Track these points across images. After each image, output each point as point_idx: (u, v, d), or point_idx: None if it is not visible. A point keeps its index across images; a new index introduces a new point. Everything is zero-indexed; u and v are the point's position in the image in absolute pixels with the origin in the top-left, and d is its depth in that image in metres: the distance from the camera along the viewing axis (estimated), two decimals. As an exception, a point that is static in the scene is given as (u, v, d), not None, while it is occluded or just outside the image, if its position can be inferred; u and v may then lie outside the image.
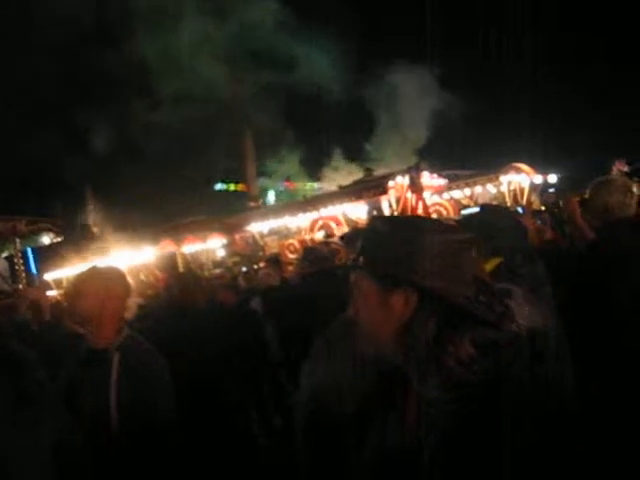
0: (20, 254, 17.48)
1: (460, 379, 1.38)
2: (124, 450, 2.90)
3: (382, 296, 1.49)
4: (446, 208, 18.34)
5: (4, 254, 17.78)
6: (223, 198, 36.95)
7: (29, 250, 20.75)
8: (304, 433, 2.18)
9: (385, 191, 16.57)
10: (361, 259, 1.55)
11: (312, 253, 5.73)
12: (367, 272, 1.52)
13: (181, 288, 4.98)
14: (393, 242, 1.49)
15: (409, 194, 16.27)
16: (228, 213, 25.03)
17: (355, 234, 6.77)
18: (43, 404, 2.29)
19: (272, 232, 20.25)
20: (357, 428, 1.64)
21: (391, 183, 16.55)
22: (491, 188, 18.95)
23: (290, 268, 12.25)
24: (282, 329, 5.98)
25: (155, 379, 3.13)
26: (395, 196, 16.40)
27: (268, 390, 6.88)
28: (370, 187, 17.66)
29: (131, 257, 19.48)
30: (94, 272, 3.34)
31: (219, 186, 41.88)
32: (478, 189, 19.24)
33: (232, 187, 40.77)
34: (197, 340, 4.52)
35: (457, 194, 19.41)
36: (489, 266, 3.37)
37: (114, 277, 3.34)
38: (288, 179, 37.51)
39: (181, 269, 17.42)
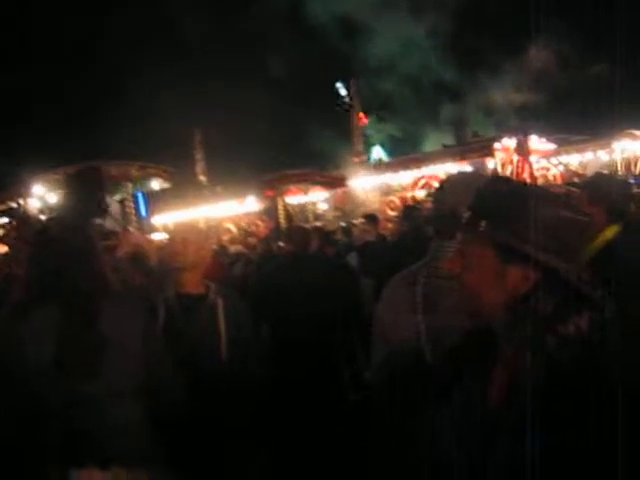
0: (131, 198, 18.27)
1: (555, 357, 1.34)
2: (229, 382, 3.14)
3: (499, 266, 1.42)
4: (554, 175, 17.79)
5: (117, 197, 18.56)
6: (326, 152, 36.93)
7: (140, 194, 21.50)
8: (385, 388, 2.23)
9: (491, 153, 16.22)
10: (480, 222, 1.43)
11: (412, 212, 5.72)
12: (486, 238, 1.42)
13: (291, 238, 5.12)
14: (518, 210, 1.39)
15: (515, 157, 15.87)
16: (331, 167, 25.12)
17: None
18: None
19: (374, 188, 20.23)
20: (440, 384, 1.61)
21: (497, 145, 16.17)
22: (603, 155, 18.21)
23: (389, 225, 12.25)
24: (377, 285, 6.05)
25: (248, 322, 3.44)
26: (501, 159, 16.03)
27: (360, 345, 6.99)
28: (475, 148, 17.32)
29: (234, 206, 19.97)
30: (193, 223, 3.60)
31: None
32: (589, 155, 18.53)
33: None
34: (303, 289, 4.68)
35: (566, 159, 18.76)
36: (609, 233, 3.36)
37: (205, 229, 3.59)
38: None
39: (282, 220, 17.70)
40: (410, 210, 5.88)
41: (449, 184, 2.37)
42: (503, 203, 1.43)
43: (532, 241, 1.37)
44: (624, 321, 1.49)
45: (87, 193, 15.50)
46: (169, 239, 3.42)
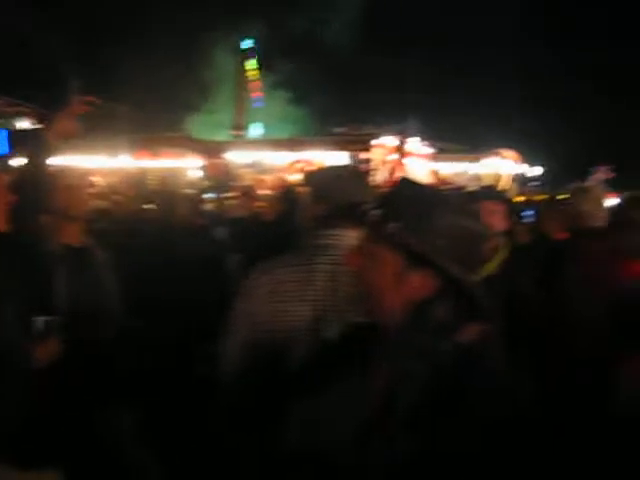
0: (-7, 133, 17.13)
1: (442, 363, 1.35)
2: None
3: (402, 269, 1.40)
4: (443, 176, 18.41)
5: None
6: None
7: (4, 132, 20.25)
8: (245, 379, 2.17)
9: (368, 148, 16.50)
10: (389, 224, 1.40)
11: (292, 194, 5.68)
12: (393, 240, 1.39)
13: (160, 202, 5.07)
14: (427, 216, 1.38)
15: (393, 156, 16.23)
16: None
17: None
18: None
19: (249, 165, 20.03)
20: (317, 377, 1.56)
21: (376, 141, 16.46)
22: (473, 167, 19.20)
23: (259, 204, 12.18)
24: (245, 261, 5.97)
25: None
26: (380, 155, 16.34)
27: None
28: (355, 140, 17.55)
29: (103, 161, 19.11)
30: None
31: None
32: (461, 166, 19.40)
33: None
34: (164, 253, 4.62)
35: (439, 166, 19.43)
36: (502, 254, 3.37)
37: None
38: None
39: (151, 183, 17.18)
40: (290, 192, 5.85)
41: (337, 175, 2.42)
42: (415, 207, 1.40)
43: (438, 249, 1.36)
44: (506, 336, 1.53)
45: None
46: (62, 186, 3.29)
